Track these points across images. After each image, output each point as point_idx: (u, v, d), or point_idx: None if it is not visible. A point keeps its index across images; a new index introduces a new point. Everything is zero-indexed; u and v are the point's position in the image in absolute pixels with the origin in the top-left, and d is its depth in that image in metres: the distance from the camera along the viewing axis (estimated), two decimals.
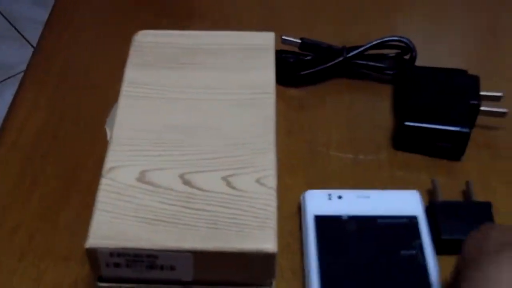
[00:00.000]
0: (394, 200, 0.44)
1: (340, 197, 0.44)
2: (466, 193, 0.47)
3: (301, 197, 0.46)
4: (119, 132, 0.40)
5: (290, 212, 0.46)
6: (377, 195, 0.45)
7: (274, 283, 0.37)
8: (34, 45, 1.68)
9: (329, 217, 0.44)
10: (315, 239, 0.43)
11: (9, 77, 1.62)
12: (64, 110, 0.54)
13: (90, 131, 0.52)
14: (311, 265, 0.42)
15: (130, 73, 0.43)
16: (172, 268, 0.36)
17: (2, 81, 1.63)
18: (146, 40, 0.46)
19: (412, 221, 0.43)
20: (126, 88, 0.42)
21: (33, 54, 0.60)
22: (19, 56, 1.67)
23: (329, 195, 0.45)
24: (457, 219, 0.44)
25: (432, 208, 0.45)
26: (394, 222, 0.43)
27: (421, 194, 0.45)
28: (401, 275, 0.41)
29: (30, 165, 0.50)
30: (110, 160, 0.38)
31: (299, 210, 0.46)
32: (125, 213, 0.36)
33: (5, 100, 1.54)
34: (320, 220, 0.43)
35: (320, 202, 0.44)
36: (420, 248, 0.42)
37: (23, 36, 1.72)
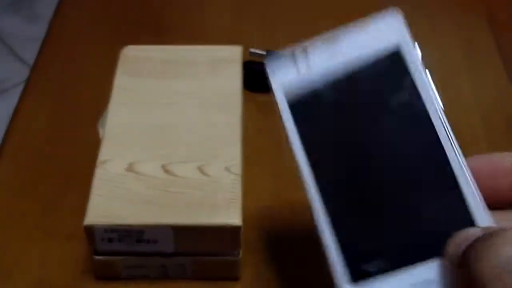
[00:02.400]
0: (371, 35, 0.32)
1: None
2: None
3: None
4: (110, 131, 0.48)
5: (259, 198, 0.53)
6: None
7: (240, 253, 0.45)
8: (24, 60, 1.74)
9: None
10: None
11: (0, 92, 1.68)
12: (62, 115, 0.60)
13: (85, 131, 0.57)
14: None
15: (119, 82, 0.51)
16: (155, 241, 0.43)
17: None
18: (131, 54, 0.53)
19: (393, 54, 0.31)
20: (115, 94, 0.50)
21: (32, 69, 0.67)
22: (10, 71, 1.73)
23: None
24: None
25: None
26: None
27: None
28: (402, 126, 0.30)
29: (37, 162, 0.55)
30: (103, 154, 0.46)
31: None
32: (116, 197, 0.43)
33: None
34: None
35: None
36: (413, 87, 0.30)
37: (13, 51, 1.78)
